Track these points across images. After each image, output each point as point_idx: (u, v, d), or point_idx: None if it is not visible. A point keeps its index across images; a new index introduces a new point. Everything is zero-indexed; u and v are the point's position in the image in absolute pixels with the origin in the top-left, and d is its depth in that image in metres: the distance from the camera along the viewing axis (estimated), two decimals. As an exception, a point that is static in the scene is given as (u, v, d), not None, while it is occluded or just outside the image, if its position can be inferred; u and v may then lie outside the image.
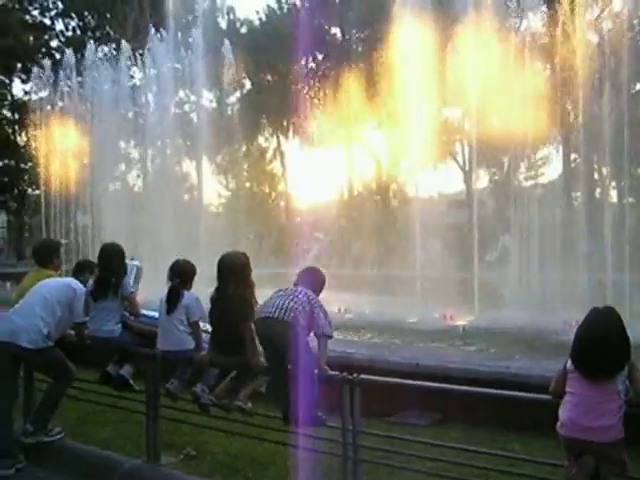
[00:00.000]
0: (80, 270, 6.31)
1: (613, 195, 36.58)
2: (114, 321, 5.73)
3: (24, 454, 5.62)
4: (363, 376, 4.39)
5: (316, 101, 29.86)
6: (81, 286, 5.86)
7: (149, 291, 7.97)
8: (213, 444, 5.58)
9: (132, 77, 39.93)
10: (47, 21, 38.40)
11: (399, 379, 4.82)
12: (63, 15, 38.51)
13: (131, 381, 5.72)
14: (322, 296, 4.92)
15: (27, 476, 5.43)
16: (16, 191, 38.08)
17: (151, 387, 5.47)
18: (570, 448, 3.48)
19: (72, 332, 5.94)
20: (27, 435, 5.65)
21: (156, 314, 5.60)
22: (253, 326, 4.80)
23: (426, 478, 4.46)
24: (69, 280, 5.96)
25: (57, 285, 5.85)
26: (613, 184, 36.41)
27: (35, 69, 31.14)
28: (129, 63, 39.15)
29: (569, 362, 3.56)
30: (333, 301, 14.66)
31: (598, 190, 35.26)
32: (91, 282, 5.89)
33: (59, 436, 5.86)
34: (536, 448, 4.87)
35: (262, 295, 5.08)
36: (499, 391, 4.35)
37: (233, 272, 5.03)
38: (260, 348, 4.82)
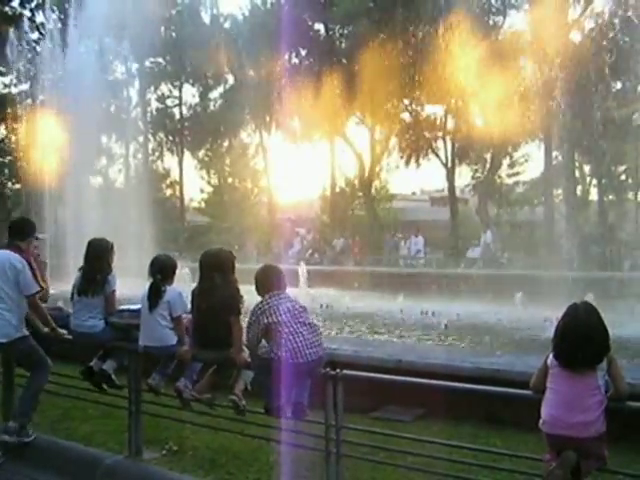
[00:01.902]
0: (20, 233, 5.92)
1: (593, 193, 36.96)
2: (97, 317, 5.69)
3: (3, 450, 5.56)
4: (346, 372, 4.40)
5: (299, 97, 29.78)
6: (22, 260, 5.58)
7: (132, 287, 7.91)
8: (195, 439, 5.56)
9: (114, 71, 39.61)
10: (27, 13, 37.90)
11: (382, 375, 4.83)
12: (43, 7, 38.03)
13: (113, 376, 5.68)
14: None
15: (7, 472, 5.38)
16: (-5, 185, 37.65)
17: (133, 382, 5.45)
18: (553, 444, 3.52)
19: (47, 329, 5.86)
20: (11, 433, 5.58)
21: (137, 307, 5.57)
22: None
23: (408, 473, 4.49)
24: (10, 261, 5.54)
25: (2, 270, 5.50)
26: (594, 182, 36.76)
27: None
28: (110, 57, 38.82)
29: (550, 357, 3.59)
30: (316, 296, 14.72)
31: (579, 188, 35.54)
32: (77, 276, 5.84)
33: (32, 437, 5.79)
34: (517, 443, 4.91)
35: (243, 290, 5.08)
36: (481, 387, 4.38)
37: (217, 267, 5.02)
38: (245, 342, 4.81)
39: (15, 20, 36.81)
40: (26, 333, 5.61)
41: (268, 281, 4.73)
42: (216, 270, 5.01)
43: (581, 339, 3.45)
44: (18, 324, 5.53)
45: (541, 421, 3.54)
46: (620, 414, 3.54)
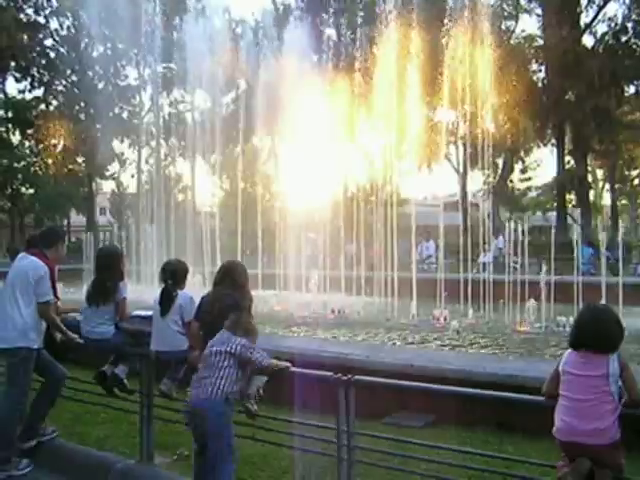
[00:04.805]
0: (48, 241, 5.92)
1: (606, 197, 36.81)
2: (107, 324, 5.70)
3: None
4: (358, 377, 4.38)
5: (311, 102, 29.81)
6: (45, 267, 5.60)
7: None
8: (206, 444, 5.55)
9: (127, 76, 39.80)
10: (41, 19, 38.19)
11: (394, 380, 4.81)
12: (57, 13, 38.32)
13: (125, 381, 5.70)
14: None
15: (19, 476, 5.40)
16: (9, 190, 37.89)
17: (145, 387, 5.46)
18: (567, 451, 3.49)
19: (58, 335, 5.87)
20: (24, 440, 5.62)
21: (148, 313, 5.59)
22: None
23: (421, 479, 4.46)
24: (34, 268, 5.58)
25: (25, 280, 5.54)
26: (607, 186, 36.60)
27: None
28: (123, 62, 39.03)
29: (562, 363, 3.57)
30: (327, 302, 14.69)
31: (592, 192, 35.36)
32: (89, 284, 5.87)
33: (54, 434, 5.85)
34: (529, 449, 4.88)
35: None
36: (493, 392, 4.35)
37: (226, 275, 5.08)
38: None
39: (30, 27, 37.14)
40: (29, 346, 5.49)
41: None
42: (225, 277, 5.12)
43: (592, 323, 3.52)
44: (21, 332, 5.44)
45: (554, 428, 3.50)
46: (634, 422, 3.51)
